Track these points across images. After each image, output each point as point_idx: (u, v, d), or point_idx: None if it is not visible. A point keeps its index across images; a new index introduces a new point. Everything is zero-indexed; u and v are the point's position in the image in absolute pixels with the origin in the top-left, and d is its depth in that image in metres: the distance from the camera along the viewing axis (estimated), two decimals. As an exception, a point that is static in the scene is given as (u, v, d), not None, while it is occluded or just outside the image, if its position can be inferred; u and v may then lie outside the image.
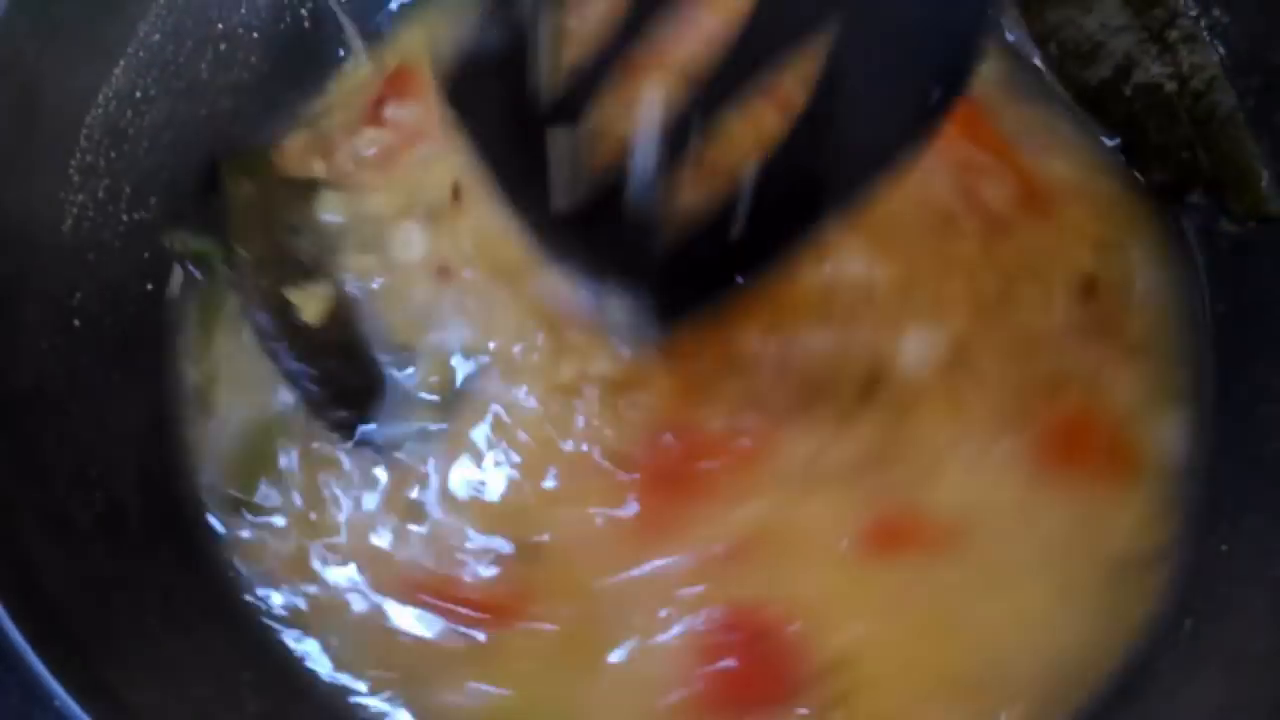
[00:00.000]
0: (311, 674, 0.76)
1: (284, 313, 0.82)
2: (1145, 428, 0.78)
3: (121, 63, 0.82)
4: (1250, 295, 0.80)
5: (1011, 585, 0.72)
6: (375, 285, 0.82)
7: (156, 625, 0.72)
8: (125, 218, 0.83)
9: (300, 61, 0.93)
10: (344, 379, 0.81)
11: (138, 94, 0.83)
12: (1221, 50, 0.80)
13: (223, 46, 0.89)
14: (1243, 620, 0.67)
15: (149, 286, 0.85)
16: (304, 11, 0.92)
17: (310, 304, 0.81)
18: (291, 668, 0.76)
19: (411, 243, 0.82)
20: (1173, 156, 0.84)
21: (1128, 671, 0.71)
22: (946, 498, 0.74)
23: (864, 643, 0.71)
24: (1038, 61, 0.89)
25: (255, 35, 0.90)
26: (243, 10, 0.89)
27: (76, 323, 0.79)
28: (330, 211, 0.85)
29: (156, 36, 0.84)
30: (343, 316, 0.82)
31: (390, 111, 0.88)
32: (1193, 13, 0.81)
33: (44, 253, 0.78)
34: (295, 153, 0.88)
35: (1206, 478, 0.75)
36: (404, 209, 0.83)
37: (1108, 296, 0.81)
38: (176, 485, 0.81)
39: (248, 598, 0.79)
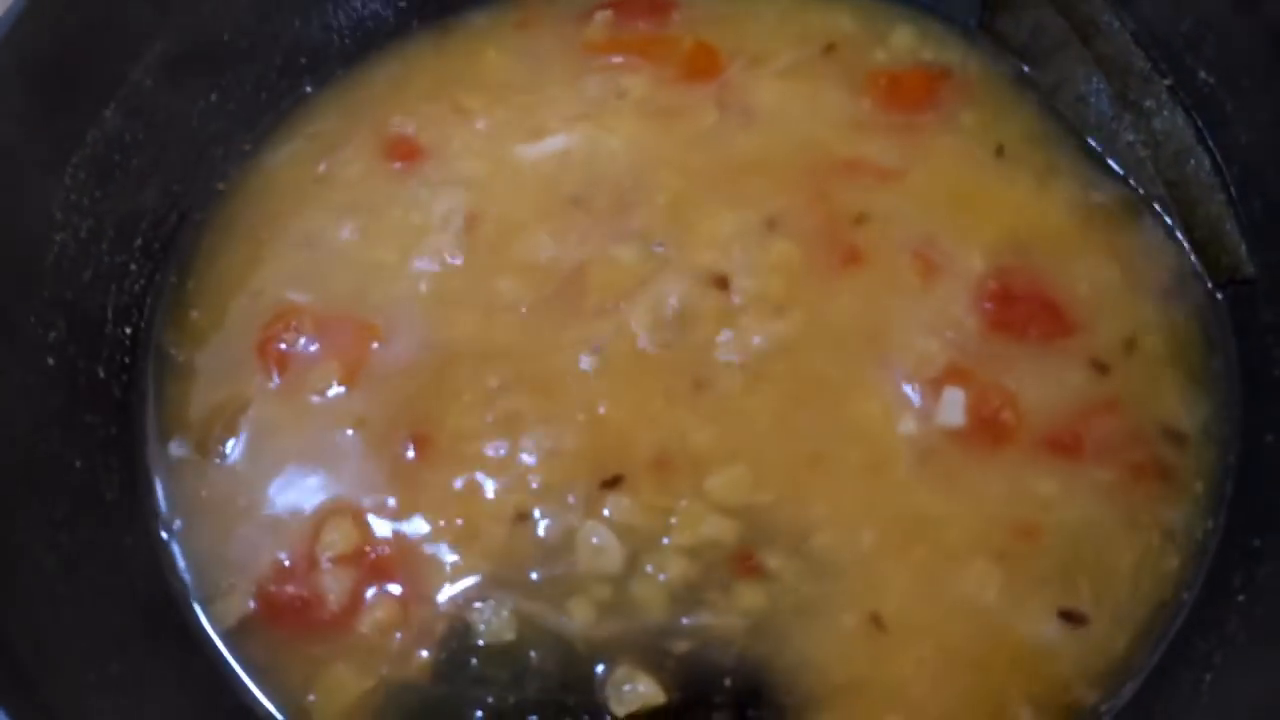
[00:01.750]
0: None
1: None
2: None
3: (112, 104, 0.82)
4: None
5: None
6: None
7: (118, 672, 0.68)
8: (107, 259, 0.82)
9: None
10: None
11: (126, 137, 0.83)
12: (1205, 113, 0.82)
13: (214, 97, 0.89)
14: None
15: (126, 329, 0.83)
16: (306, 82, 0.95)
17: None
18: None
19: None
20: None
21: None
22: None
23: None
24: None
25: (249, 88, 0.91)
26: (238, 64, 0.90)
27: (50, 361, 0.77)
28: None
29: (149, 82, 0.84)
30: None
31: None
32: (1167, 81, 0.84)
33: (23, 288, 0.76)
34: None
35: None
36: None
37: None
38: (146, 526, 0.78)
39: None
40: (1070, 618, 0.72)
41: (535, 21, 0.97)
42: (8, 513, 0.69)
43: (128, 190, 0.83)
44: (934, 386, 0.77)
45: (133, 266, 0.84)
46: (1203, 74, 0.82)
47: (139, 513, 0.78)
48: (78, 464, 0.76)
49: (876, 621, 0.71)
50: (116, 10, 0.82)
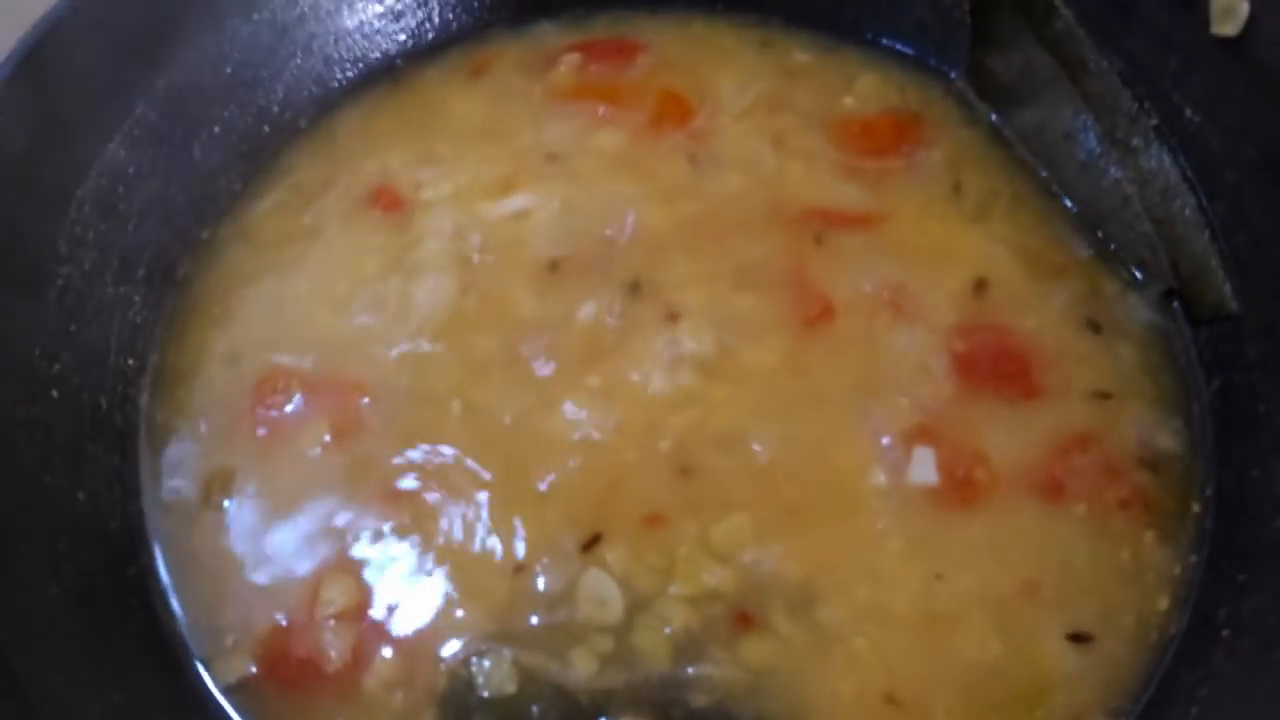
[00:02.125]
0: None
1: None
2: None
3: (116, 138, 0.83)
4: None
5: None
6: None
7: (121, 701, 0.69)
8: (110, 291, 0.83)
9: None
10: None
11: (130, 170, 0.84)
12: (1191, 150, 0.84)
13: (216, 129, 0.91)
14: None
15: (129, 360, 0.84)
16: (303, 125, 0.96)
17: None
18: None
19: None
20: (1136, 255, 0.87)
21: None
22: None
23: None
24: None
25: (251, 122, 0.93)
26: (240, 98, 0.92)
27: (54, 394, 0.78)
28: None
29: (154, 116, 0.86)
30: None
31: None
32: (1154, 120, 0.86)
33: (28, 321, 0.77)
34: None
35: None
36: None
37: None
38: (148, 563, 0.78)
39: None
40: (1079, 639, 0.73)
41: (493, 66, 0.98)
42: (12, 544, 0.70)
43: (131, 223, 0.84)
44: (908, 443, 0.78)
45: (136, 298, 0.85)
46: (1189, 112, 0.83)
47: (142, 547, 0.79)
48: (81, 496, 0.77)
49: (890, 698, 0.71)
50: (122, 44, 0.84)
